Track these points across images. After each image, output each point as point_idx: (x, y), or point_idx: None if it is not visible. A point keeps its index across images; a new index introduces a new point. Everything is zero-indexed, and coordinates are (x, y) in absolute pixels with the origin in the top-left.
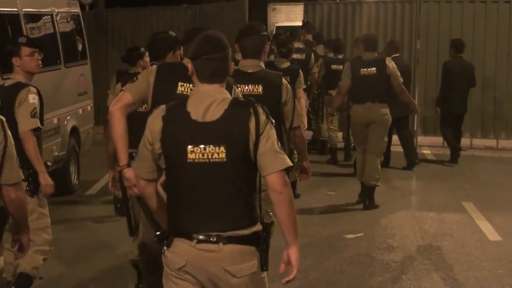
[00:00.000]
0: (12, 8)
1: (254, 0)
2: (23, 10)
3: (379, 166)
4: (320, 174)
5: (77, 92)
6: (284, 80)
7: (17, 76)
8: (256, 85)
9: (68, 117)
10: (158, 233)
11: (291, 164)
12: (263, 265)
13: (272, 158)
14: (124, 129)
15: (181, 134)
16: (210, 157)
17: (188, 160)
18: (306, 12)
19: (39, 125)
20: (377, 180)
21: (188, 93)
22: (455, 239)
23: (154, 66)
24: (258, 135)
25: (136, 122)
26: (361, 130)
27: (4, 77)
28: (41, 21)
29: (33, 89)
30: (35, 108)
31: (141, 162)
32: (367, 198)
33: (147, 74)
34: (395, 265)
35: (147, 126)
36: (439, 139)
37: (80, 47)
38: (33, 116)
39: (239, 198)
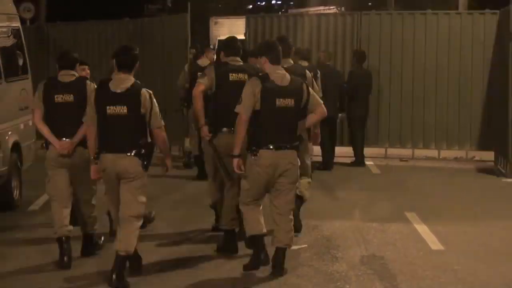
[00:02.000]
0: None
1: (196, 14)
2: None
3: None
4: None
5: (18, 107)
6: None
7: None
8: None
9: (10, 132)
10: (251, 149)
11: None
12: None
13: (317, 104)
14: (202, 104)
15: (272, 91)
16: (286, 104)
17: (276, 106)
18: (248, 25)
19: None
20: None
21: (236, 80)
22: (398, 248)
23: (212, 66)
24: (307, 94)
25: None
26: None
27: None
28: None
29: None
30: None
31: (245, 107)
32: None
33: (210, 71)
34: (339, 275)
35: (251, 87)
36: (380, 150)
37: (21, 62)
38: None
39: (295, 126)
